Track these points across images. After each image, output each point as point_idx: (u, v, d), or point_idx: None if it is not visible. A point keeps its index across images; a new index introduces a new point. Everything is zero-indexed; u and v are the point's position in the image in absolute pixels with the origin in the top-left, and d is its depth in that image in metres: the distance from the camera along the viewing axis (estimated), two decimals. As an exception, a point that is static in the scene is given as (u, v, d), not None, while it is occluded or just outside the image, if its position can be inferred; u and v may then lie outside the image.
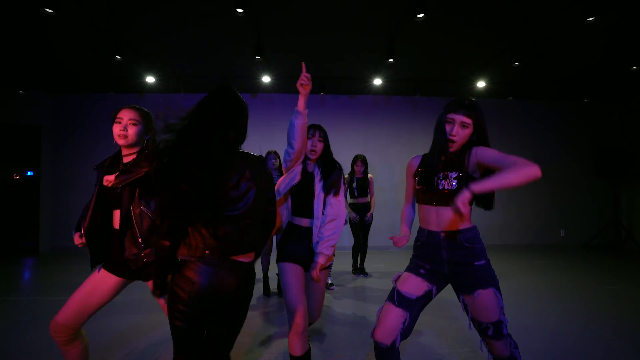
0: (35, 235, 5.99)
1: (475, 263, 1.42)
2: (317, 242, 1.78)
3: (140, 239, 1.50)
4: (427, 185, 1.50)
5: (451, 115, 1.46)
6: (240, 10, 3.10)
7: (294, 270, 1.75)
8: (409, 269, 1.56)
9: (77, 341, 1.54)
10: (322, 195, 1.80)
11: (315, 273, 1.73)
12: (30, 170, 6.35)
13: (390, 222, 6.35)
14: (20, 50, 4.45)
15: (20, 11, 3.49)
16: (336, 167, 1.87)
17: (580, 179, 6.67)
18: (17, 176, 6.58)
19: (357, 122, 6.41)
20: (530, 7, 3.39)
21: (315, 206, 1.78)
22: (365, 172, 4.32)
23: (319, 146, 1.81)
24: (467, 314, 1.47)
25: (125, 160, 1.62)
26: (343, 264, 4.99)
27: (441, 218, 1.47)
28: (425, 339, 2.52)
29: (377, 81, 5.42)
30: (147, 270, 1.52)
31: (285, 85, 5.72)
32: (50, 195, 6.00)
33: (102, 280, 1.53)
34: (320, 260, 1.75)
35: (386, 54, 4.35)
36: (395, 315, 1.42)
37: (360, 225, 4.31)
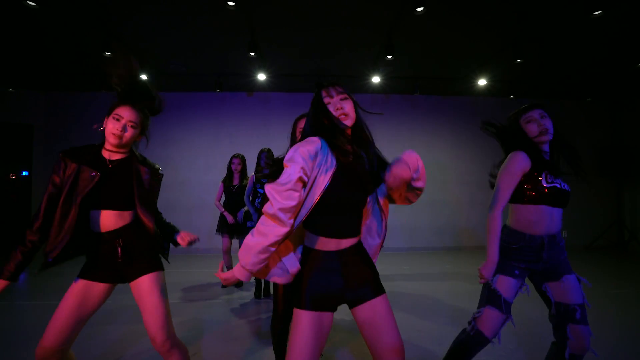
0: (27, 237, 5.87)
1: (562, 257, 1.56)
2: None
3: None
4: (555, 186, 1.52)
5: (528, 115, 1.57)
6: (231, 4, 2.98)
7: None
8: (503, 271, 1.57)
9: None
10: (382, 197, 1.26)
11: None
12: (25, 170, 6.23)
13: (388, 223, 6.23)
14: (10, 47, 4.33)
15: (7, 7, 3.38)
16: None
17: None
18: (13, 176, 6.47)
19: (355, 121, 6.29)
20: (533, 1, 3.27)
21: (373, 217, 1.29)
22: (363, 172, 4.21)
23: (348, 106, 1.19)
24: (550, 302, 1.57)
25: (111, 157, 1.50)
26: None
27: (554, 219, 1.53)
28: (426, 345, 2.41)
29: (376, 79, 5.30)
30: (132, 270, 1.47)
31: (282, 84, 5.59)
32: (42, 196, 5.86)
33: (88, 291, 1.43)
34: None
35: (385, 51, 4.23)
36: (500, 319, 1.54)
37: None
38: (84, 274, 1.45)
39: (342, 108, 1.16)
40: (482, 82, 5.42)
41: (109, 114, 1.47)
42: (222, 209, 3.86)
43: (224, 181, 3.95)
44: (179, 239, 1.61)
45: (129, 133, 1.46)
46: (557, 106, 6.59)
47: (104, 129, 1.48)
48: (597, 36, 4.01)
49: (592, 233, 6.48)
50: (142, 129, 1.53)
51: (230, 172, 3.93)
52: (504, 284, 1.55)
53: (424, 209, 6.35)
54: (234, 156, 3.92)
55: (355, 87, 5.92)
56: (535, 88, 5.98)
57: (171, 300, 3.49)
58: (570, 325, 1.48)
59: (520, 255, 1.55)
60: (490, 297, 1.56)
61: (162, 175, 1.63)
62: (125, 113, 1.45)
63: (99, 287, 1.44)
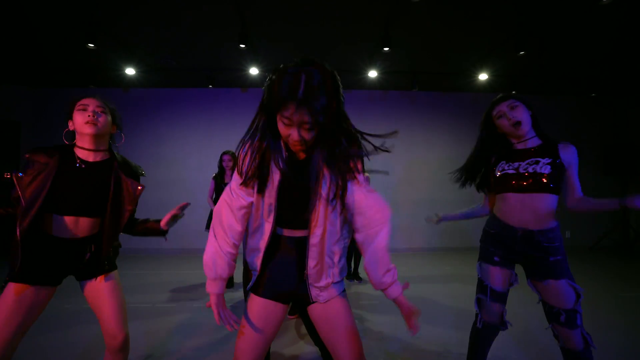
0: (14, 237, 5.71)
1: (551, 259, 1.42)
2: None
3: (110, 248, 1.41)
4: (506, 172, 1.49)
5: (495, 111, 1.52)
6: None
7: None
8: (483, 258, 1.58)
9: None
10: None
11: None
12: (14, 170, 6.06)
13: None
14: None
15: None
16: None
17: (587, 177, 6.34)
18: (8, 175, 6.31)
19: (351, 118, 6.02)
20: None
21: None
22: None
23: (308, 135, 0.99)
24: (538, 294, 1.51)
25: (84, 156, 1.38)
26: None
27: (526, 210, 1.42)
28: (425, 347, 2.24)
29: (373, 73, 5.13)
30: (92, 270, 1.39)
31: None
32: (30, 195, 5.71)
33: (34, 297, 1.26)
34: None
35: (382, 43, 4.07)
36: (496, 308, 1.52)
37: (354, 226, 4.05)
38: (26, 278, 1.26)
39: (300, 137, 0.97)
40: (483, 76, 5.26)
41: (72, 110, 1.38)
42: (213, 206, 3.72)
43: (215, 178, 3.80)
44: (162, 225, 1.52)
45: (102, 119, 1.38)
46: (559, 102, 6.42)
47: (72, 131, 1.40)
48: (602, 28, 3.83)
49: (596, 233, 6.30)
50: (112, 117, 1.44)
51: (222, 169, 3.79)
52: (486, 272, 1.55)
53: (423, 208, 6.18)
54: (224, 153, 3.78)
55: (352, 83, 5.76)
56: (538, 83, 5.81)
57: (161, 301, 3.33)
58: (555, 325, 1.44)
59: (496, 241, 1.54)
60: (478, 286, 1.59)
61: (143, 188, 1.50)
62: (90, 101, 1.39)
63: (45, 291, 1.30)
